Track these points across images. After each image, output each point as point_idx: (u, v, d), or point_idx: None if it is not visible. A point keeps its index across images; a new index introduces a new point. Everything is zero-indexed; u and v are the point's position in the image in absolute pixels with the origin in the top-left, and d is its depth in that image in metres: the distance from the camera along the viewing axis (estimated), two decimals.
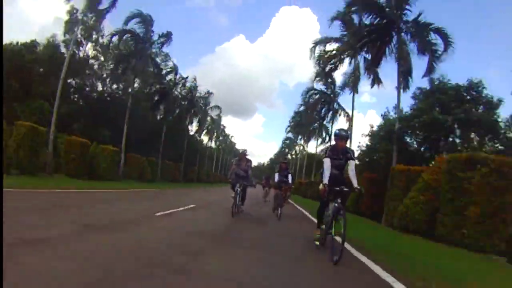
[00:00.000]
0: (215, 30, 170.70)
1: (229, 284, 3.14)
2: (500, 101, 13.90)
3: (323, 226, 5.47)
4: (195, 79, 36.80)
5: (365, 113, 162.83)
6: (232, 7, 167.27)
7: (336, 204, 4.91)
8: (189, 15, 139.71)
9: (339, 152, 5.37)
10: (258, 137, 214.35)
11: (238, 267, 3.83)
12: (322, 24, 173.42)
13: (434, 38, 15.41)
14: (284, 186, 10.86)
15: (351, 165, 5.30)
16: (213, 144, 62.50)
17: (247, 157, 9.91)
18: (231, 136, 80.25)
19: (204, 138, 53.54)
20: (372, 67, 18.60)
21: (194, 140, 44.92)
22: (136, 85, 28.39)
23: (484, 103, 13.74)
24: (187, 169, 38.89)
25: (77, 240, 4.12)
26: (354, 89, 22.40)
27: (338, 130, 5.59)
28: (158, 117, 35.64)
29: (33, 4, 76.93)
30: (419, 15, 14.47)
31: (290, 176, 11.45)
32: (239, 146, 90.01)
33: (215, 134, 57.12)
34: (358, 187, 5.04)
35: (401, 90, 16.65)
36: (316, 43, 21.86)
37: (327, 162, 5.25)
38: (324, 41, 21.73)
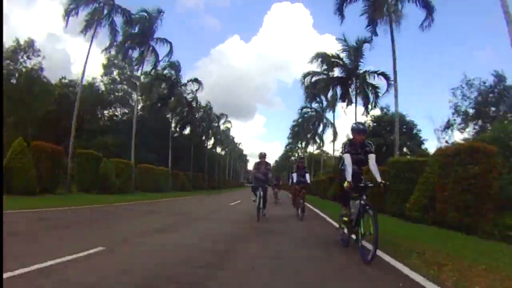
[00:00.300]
0: (208, 33, 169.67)
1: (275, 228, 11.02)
2: (415, 125, 22.31)
3: (344, 227, 5.54)
4: (209, 102, 45.00)
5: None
6: (224, 8, 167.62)
7: (362, 202, 4.75)
8: (181, 20, 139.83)
9: (358, 146, 5.24)
10: (261, 138, 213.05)
11: (276, 223, 11.68)
12: (315, 18, 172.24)
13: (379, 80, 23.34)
14: (303, 186, 11.14)
15: (372, 159, 5.16)
16: (223, 152, 70.60)
17: (266, 160, 10.30)
18: (239, 144, 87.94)
19: (218, 149, 61.72)
20: (344, 97, 26.60)
21: (212, 153, 53.18)
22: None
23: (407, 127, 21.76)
24: (208, 178, 47.02)
25: (218, 213, 12.13)
26: (333, 110, 30.70)
27: (355, 123, 5.40)
28: (174, 135, 43.86)
29: (25, 21, 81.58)
30: (365, 71, 22.38)
31: (307, 175, 11.56)
32: (246, 151, 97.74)
33: (227, 145, 65.33)
34: (383, 182, 4.86)
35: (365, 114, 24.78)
36: (305, 76, 29.73)
37: (347, 158, 5.09)
38: (310, 74, 29.51)
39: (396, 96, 14.07)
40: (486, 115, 24.40)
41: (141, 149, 36.93)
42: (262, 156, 10.24)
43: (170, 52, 26.96)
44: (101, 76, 40.29)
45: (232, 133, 68.53)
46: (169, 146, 30.97)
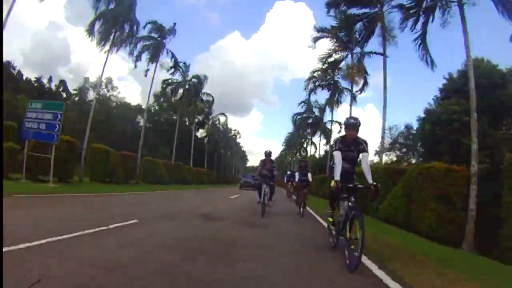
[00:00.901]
0: (208, 28, 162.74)
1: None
2: None
3: (333, 229, 5.29)
4: (226, 120, 62.37)
5: (364, 108, 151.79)
6: (225, 4, 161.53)
7: (350, 204, 4.50)
8: (182, 14, 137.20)
9: (350, 143, 4.92)
10: (258, 135, 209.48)
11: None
12: (318, 19, 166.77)
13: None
14: (305, 184, 11.62)
15: (365, 158, 4.88)
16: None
17: (271, 158, 10.75)
18: (242, 146, 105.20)
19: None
20: (314, 134, 43.87)
21: (225, 158, 70.90)
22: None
23: None
24: (223, 175, 64.72)
25: (250, 194, 29.47)
26: (311, 137, 48.14)
27: (347, 118, 5.09)
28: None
29: (27, 8, 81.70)
30: (325, 121, 39.77)
31: (309, 174, 11.95)
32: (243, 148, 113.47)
33: (234, 149, 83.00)
34: (374, 183, 4.56)
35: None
36: (294, 115, 46.73)
37: (337, 155, 4.78)
38: (298, 114, 46.64)
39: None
40: (399, 148, 42.34)
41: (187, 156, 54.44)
42: (268, 154, 10.56)
43: (212, 102, 44.50)
44: (153, 103, 57.34)
45: (238, 139, 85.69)
46: (205, 157, 48.41)
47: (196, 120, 47.37)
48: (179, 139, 45.57)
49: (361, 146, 4.94)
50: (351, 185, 4.65)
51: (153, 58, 28.51)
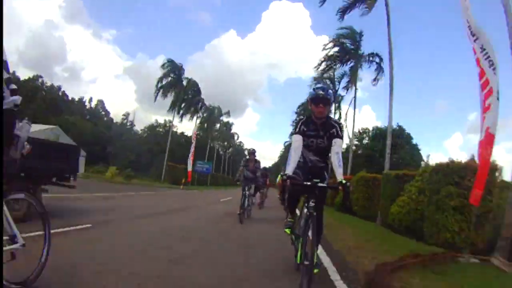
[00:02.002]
0: (204, 27, 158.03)
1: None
2: None
3: (294, 238, 3.75)
4: (242, 144, 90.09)
5: (360, 109, 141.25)
6: (221, 3, 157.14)
7: (306, 211, 3.10)
8: (175, 14, 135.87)
9: (319, 126, 3.41)
10: (251, 136, 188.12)
11: None
12: (314, 20, 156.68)
13: None
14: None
15: (337, 145, 3.29)
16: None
17: (256, 157, 9.72)
18: (246, 156, 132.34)
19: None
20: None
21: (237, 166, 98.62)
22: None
23: None
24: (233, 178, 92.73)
25: None
26: None
27: (314, 89, 3.48)
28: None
29: (23, 5, 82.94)
30: None
31: None
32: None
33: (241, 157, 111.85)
34: (344, 181, 2.96)
35: None
36: (285, 142, 75.00)
37: (296, 141, 3.35)
38: (287, 141, 74.79)
39: None
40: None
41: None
42: (251, 152, 9.64)
43: (238, 137, 72.16)
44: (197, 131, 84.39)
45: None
46: (226, 168, 76.71)
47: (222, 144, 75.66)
48: (210, 156, 73.62)
49: (333, 130, 3.40)
50: (308, 183, 3.09)
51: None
